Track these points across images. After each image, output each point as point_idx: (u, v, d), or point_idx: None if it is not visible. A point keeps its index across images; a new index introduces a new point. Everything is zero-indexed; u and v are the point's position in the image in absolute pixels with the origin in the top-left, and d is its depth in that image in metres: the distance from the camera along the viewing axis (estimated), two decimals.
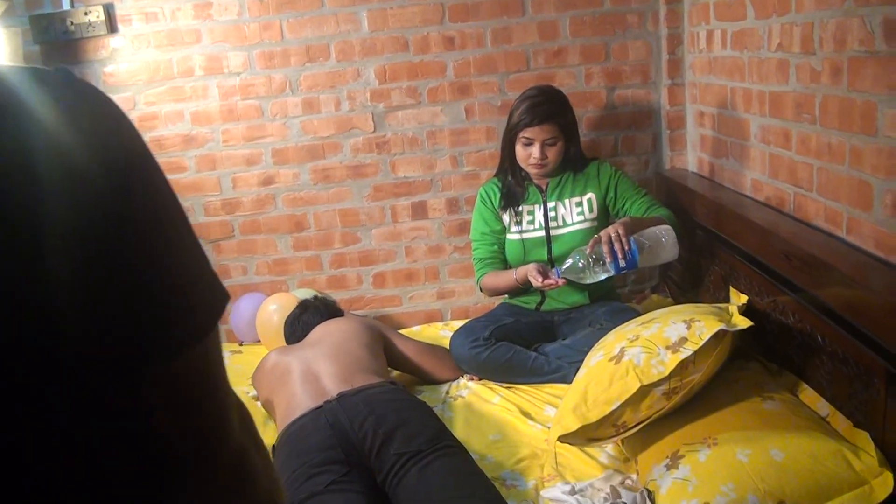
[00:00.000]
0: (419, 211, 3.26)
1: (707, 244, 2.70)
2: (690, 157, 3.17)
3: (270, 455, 1.98)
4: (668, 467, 1.76)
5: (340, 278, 3.32)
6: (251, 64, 3.09)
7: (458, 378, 2.65)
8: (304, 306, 2.71)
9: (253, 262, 3.29)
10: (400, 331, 2.98)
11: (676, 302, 2.84)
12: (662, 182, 3.16)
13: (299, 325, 2.62)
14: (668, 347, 1.86)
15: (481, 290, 2.83)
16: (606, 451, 2.09)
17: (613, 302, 2.77)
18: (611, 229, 2.41)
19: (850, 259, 1.84)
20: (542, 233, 2.73)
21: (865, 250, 1.87)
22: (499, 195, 2.79)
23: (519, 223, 2.75)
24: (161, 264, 0.52)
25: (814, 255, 1.90)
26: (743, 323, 1.94)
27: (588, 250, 2.44)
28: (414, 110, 3.15)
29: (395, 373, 2.67)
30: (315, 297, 2.80)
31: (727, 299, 2.30)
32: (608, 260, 2.40)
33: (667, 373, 1.82)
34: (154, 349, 0.51)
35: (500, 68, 3.12)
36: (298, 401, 2.09)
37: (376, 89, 3.12)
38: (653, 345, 1.89)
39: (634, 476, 1.95)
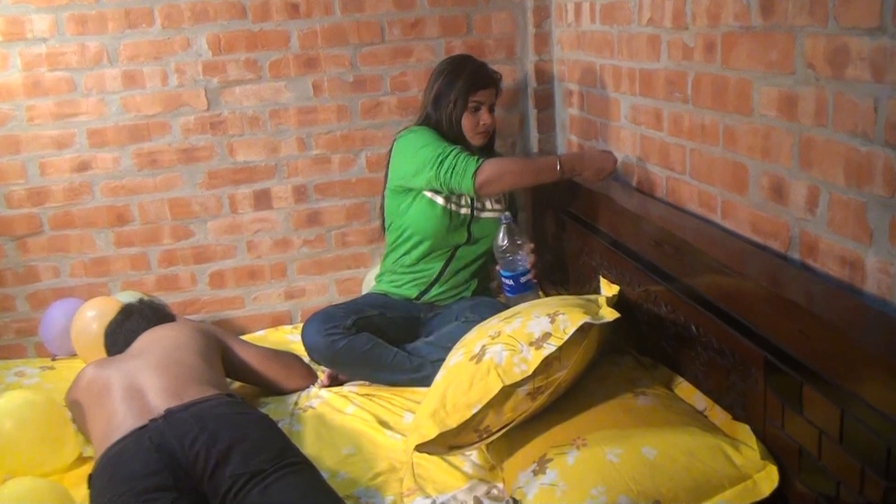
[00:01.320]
0: (262, 200, 3.17)
1: (577, 232, 2.74)
2: (559, 139, 3.23)
3: (87, 486, 1.90)
4: (535, 472, 1.76)
5: (171, 278, 3.19)
6: (60, 29, 2.90)
7: (308, 387, 2.60)
8: (127, 312, 2.59)
9: (66, 262, 3.11)
10: (242, 336, 2.90)
11: (545, 294, 2.87)
12: None
13: (122, 333, 2.51)
14: (531, 344, 1.86)
15: (478, 183, 2.46)
16: (470, 459, 2.08)
17: (483, 296, 2.80)
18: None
19: (724, 245, 1.90)
20: (468, 211, 2.72)
21: (741, 235, 1.93)
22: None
23: (448, 197, 2.67)
24: None
25: (686, 242, 1.95)
26: (610, 315, 1.96)
27: (527, 247, 2.52)
28: (254, 86, 3.06)
29: (237, 384, 2.60)
30: (141, 301, 2.69)
31: (597, 290, 2.33)
32: (526, 266, 2.51)
33: (530, 371, 1.82)
34: None
35: (352, 40, 3.08)
36: (119, 420, 1.99)
37: (209, 61, 3.01)
38: (515, 341, 1.89)
39: (500, 485, 1.95)
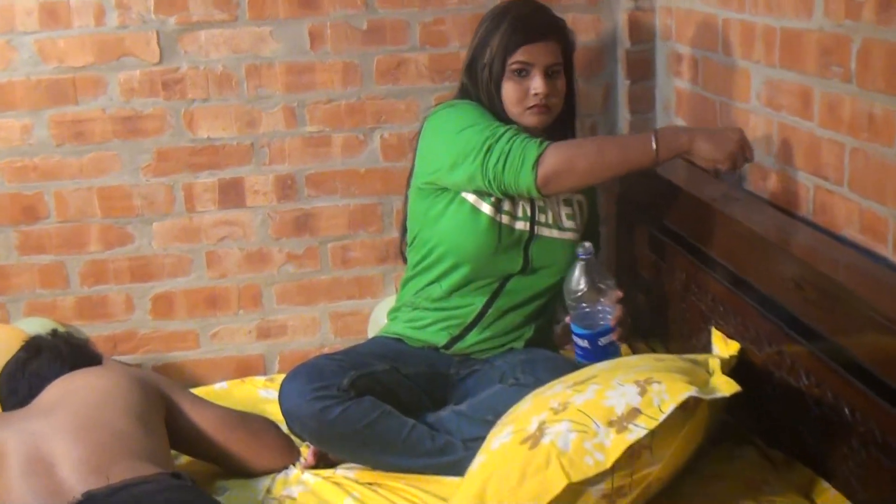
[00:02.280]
0: (231, 194, 3.21)
1: (680, 261, 2.73)
2: (660, 123, 3.23)
3: None
4: None
5: (98, 302, 3.23)
6: None
7: (286, 467, 2.61)
8: (33, 348, 2.61)
9: None
10: (194, 390, 2.92)
11: (632, 350, 2.87)
12: None
13: (24, 378, 2.53)
14: (610, 424, 1.87)
15: (541, 177, 2.46)
16: None
17: (540, 349, 2.77)
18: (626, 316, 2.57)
19: None
20: (525, 226, 2.69)
21: None
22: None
23: (499, 202, 2.66)
24: None
25: (841, 284, 1.95)
26: (728, 388, 1.97)
27: (613, 295, 2.51)
28: (226, 30, 3.10)
29: (185, 459, 2.63)
30: (54, 333, 2.71)
31: (708, 348, 2.33)
32: (609, 323, 2.49)
33: (609, 464, 1.82)
34: None
35: None
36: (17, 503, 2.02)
37: None
38: (588, 419, 1.90)
39: None
